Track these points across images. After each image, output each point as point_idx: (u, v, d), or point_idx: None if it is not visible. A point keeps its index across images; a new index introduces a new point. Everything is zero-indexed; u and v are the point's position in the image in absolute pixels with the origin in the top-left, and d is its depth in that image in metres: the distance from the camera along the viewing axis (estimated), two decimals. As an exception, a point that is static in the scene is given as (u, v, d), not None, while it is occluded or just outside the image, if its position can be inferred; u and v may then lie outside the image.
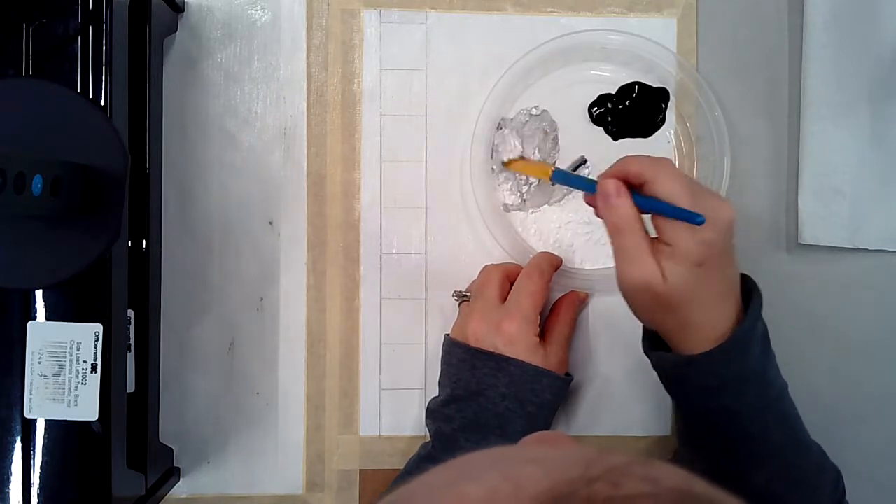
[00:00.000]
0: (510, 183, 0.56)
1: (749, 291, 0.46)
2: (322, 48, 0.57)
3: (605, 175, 0.44)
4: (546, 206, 0.57)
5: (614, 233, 0.43)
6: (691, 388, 0.46)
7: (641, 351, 0.49)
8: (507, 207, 0.56)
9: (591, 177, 0.55)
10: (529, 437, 0.31)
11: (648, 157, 0.44)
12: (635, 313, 0.46)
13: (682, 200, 0.41)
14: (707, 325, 0.44)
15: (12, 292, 0.44)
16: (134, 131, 0.50)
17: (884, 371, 0.58)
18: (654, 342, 0.48)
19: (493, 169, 0.56)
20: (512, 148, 0.55)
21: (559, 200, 0.57)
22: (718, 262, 0.43)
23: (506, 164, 0.55)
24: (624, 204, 0.43)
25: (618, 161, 0.44)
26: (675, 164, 0.44)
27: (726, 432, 0.46)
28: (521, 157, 0.55)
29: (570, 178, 0.51)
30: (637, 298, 0.44)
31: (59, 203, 0.38)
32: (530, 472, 0.20)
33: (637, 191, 0.43)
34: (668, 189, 0.42)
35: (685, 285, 0.42)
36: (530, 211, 0.56)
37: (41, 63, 0.44)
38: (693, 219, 0.41)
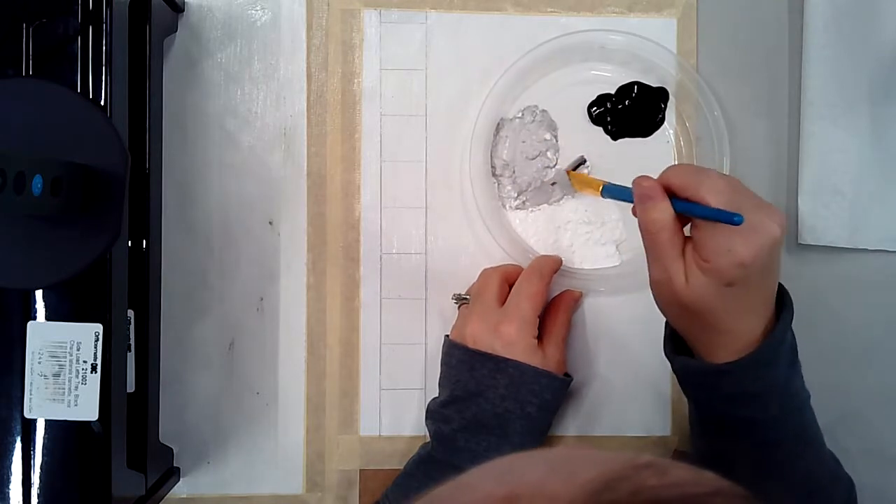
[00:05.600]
0: (510, 184, 0.56)
1: (780, 300, 0.45)
2: (322, 48, 0.57)
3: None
4: (545, 205, 0.57)
5: (645, 232, 0.43)
6: (713, 396, 0.46)
7: (640, 351, 0.49)
8: (505, 205, 0.56)
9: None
10: (567, 447, 0.31)
11: (693, 166, 0.43)
12: (666, 315, 0.46)
13: (718, 205, 0.40)
14: (734, 334, 0.43)
15: (12, 292, 0.44)
16: (134, 131, 0.50)
17: (884, 371, 0.58)
18: (677, 346, 0.47)
19: (492, 169, 0.56)
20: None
21: (559, 200, 0.56)
22: (753, 281, 0.41)
23: (569, 172, 0.56)
24: (658, 205, 0.42)
25: (665, 170, 0.43)
26: (721, 173, 0.43)
27: (744, 440, 0.46)
28: (576, 169, 0.56)
29: (619, 192, 0.49)
30: (661, 298, 0.44)
31: (59, 203, 0.38)
32: (578, 463, 0.21)
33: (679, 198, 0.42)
34: (705, 195, 0.40)
35: (708, 297, 0.41)
36: (530, 210, 0.56)
37: (41, 63, 0.44)
38: (731, 219, 0.39)
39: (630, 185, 0.45)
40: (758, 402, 0.44)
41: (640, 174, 0.44)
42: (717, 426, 0.48)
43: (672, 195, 0.42)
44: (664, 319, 0.48)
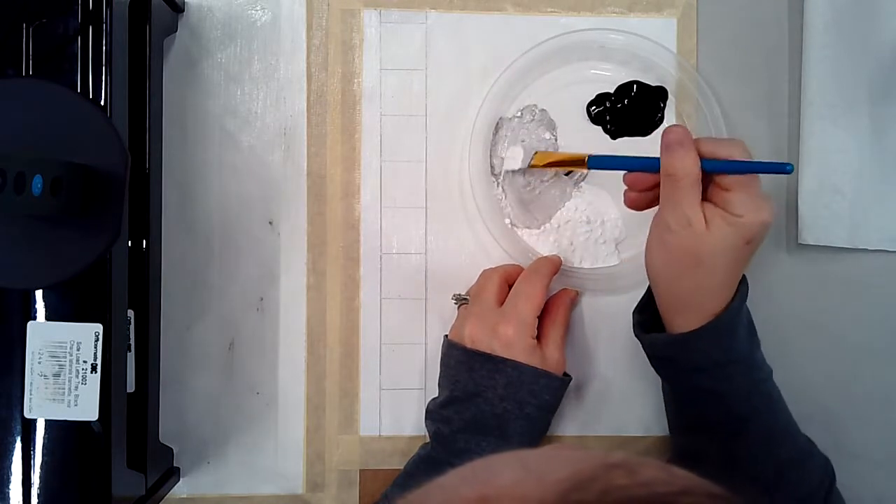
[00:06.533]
0: (512, 194, 0.56)
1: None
2: (322, 48, 0.57)
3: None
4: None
5: (670, 178, 0.44)
6: (681, 369, 0.47)
7: (640, 351, 0.49)
8: (513, 224, 0.56)
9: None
10: (545, 447, 0.31)
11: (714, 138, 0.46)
12: (654, 270, 0.46)
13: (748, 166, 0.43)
14: (707, 299, 0.45)
15: (12, 292, 0.44)
16: (134, 131, 0.50)
17: (883, 371, 0.58)
18: (644, 327, 0.49)
19: (492, 169, 0.56)
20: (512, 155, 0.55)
21: (561, 207, 0.56)
22: (754, 246, 0.44)
23: (532, 164, 0.54)
24: (690, 153, 0.43)
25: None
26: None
27: (713, 414, 0.47)
28: (545, 150, 0.55)
29: (608, 161, 0.49)
30: (669, 247, 0.45)
31: (59, 203, 0.38)
32: (552, 464, 0.21)
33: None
34: (734, 154, 0.44)
35: (725, 247, 0.43)
36: (542, 228, 0.56)
37: (41, 63, 0.44)
38: (783, 168, 0.42)
39: (615, 155, 0.47)
40: (722, 372, 0.46)
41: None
42: (687, 403, 0.49)
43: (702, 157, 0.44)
44: (631, 308, 0.51)
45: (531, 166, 0.54)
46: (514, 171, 0.56)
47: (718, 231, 0.43)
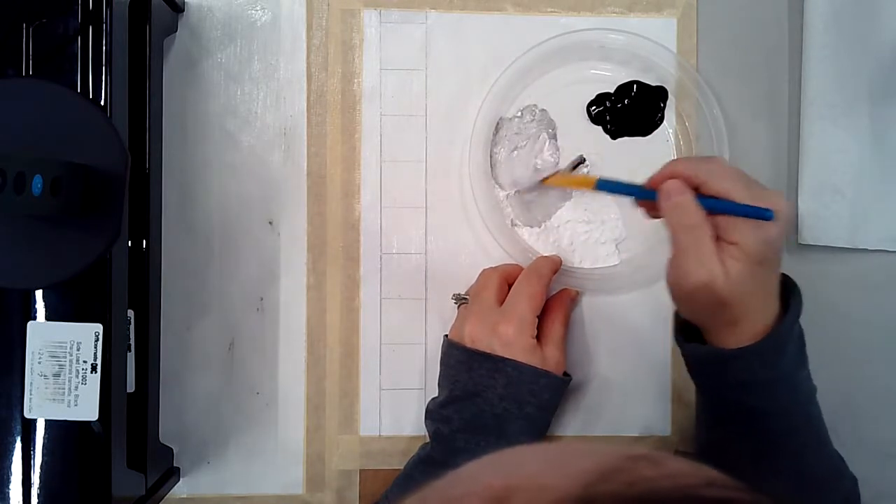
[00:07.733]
0: (511, 197, 0.56)
1: (787, 291, 0.46)
2: (322, 48, 0.57)
3: (657, 178, 0.44)
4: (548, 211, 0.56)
5: (680, 232, 0.43)
6: (722, 383, 0.46)
7: (640, 351, 0.49)
8: (513, 223, 0.56)
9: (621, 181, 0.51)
10: (568, 440, 0.31)
11: (697, 157, 0.44)
12: (683, 309, 0.46)
13: (742, 197, 0.41)
14: (751, 320, 0.44)
15: (12, 292, 0.44)
16: (134, 131, 0.50)
17: (884, 371, 0.58)
18: (686, 333, 0.48)
19: (491, 170, 0.56)
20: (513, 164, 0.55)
21: (559, 208, 0.56)
22: (775, 259, 0.43)
23: (544, 181, 0.55)
24: (690, 202, 0.42)
25: (666, 164, 0.44)
26: (725, 160, 0.44)
27: (749, 428, 0.46)
28: (557, 173, 0.55)
29: (616, 186, 0.48)
30: (694, 296, 0.43)
31: (59, 203, 0.38)
32: (574, 456, 0.21)
33: (696, 192, 0.43)
34: (726, 187, 0.42)
35: (745, 284, 0.42)
36: (542, 227, 0.56)
37: (41, 63, 0.44)
38: (764, 215, 0.40)
39: (621, 179, 0.45)
40: (766, 391, 0.45)
41: (638, 173, 0.45)
42: (724, 416, 0.48)
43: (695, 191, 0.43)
44: (672, 308, 0.48)
45: (543, 181, 0.55)
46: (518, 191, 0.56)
47: (735, 273, 0.41)
